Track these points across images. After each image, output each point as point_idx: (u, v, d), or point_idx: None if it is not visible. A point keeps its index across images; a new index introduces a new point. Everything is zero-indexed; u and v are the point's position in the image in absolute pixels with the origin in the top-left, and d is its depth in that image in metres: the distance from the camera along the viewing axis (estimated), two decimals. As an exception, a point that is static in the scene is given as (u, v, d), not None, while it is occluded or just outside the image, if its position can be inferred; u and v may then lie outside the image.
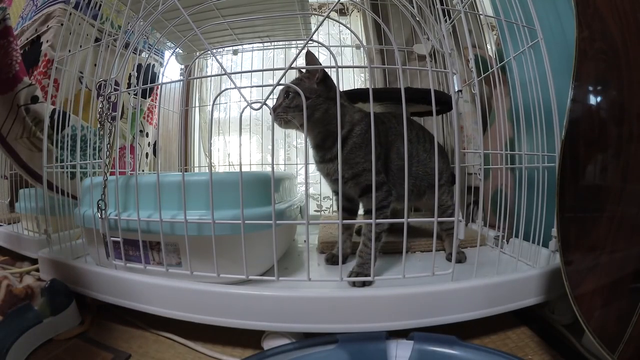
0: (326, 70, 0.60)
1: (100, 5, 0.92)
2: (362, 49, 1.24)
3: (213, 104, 1.10)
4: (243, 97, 0.50)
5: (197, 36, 0.51)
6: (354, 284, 0.55)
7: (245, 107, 0.50)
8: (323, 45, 0.56)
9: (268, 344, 0.52)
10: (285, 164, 1.27)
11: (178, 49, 1.17)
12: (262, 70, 1.38)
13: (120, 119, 0.90)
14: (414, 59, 1.20)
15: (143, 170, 1.25)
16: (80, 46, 0.80)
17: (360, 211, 0.71)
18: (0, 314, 0.53)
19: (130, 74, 0.81)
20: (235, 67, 1.29)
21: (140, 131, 1.24)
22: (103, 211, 0.58)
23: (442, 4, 0.75)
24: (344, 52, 1.30)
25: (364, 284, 0.55)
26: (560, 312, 0.59)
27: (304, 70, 0.62)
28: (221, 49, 1.23)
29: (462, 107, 1.04)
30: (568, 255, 0.45)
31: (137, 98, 1.08)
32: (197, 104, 1.39)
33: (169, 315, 0.55)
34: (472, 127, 1.06)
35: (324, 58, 1.19)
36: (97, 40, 0.87)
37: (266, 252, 0.59)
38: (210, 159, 1.05)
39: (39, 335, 0.55)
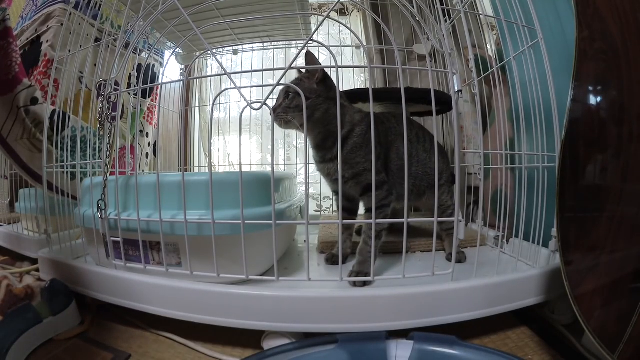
0: (326, 70, 0.60)
1: (100, 5, 0.92)
2: (362, 49, 1.24)
3: (213, 104, 1.10)
4: (243, 97, 0.50)
5: (197, 36, 0.51)
6: (354, 284, 0.55)
7: (245, 107, 0.50)
8: (323, 45, 0.56)
9: (268, 344, 0.52)
10: (285, 164, 1.27)
11: (178, 49, 1.17)
12: (262, 70, 1.38)
13: (120, 119, 0.90)
14: (414, 59, 1.20)
15: (143, 171, 1.25)
16: (80, 46, 0.80)
17: (361, 210, 0.71)
18: (0, 314, 0.53)
19: (130, 74, 0.81)
20: (235, 67, 1.29)
21: (140, 131, 1.24)
22: (103, 211, 0.58)
23: (442, 4, 0.75)
24: (344, 52, 1.30)
25: (364, 284, 0.55)
26: (560, 312, 0.58)
27: (303, 71, 0.62)
28: (221, 49, 1.23)
29: (462, 107, 1.04)
30: (568, 255, 0.45)
31: (137, 98, 1.08)
32: (197, 104, 1.39)
33: (169, 315, 0.55)
34: (472, 127, 1.06)
35: (324, 58, 1.19)
36: (97, 40, 0.87)
37: (266, 252, 0.59)
38: (210, 159, 1.05)
39: (39, 335, 0.55)
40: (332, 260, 0.69)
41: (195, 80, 1.36)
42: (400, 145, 0.65)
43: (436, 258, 0.56)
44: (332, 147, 0.62)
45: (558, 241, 0.46)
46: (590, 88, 0.47)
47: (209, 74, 1.37)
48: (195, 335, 0.57)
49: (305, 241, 0.56)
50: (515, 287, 0.55)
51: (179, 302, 0.55)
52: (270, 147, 0.52)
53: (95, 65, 0.87)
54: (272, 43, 1.20)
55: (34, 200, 0.88)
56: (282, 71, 0.53)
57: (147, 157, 1.28)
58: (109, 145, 0.61)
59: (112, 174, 0.61)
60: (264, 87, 0.56)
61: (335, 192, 0.72)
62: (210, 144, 1.29)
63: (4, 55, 0.76)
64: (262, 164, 1.34)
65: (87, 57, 0.87)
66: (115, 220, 0.57)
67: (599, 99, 0.48)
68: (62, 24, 0.97)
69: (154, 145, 1.28)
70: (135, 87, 0.73)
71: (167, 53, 1.23)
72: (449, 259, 0.70)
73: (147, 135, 1.28)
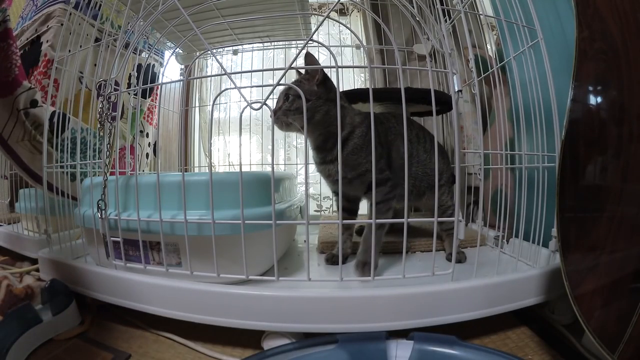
0: (326, 70, 0.60)
1: (100, 5, 0.92)
2: (362, 49, 1.24)
3: (213, 104, 1.10)
4: (243, 97, 0.50)
5: (197, 36, 0.51)
6: (362, 272, 0.58)
7: (245, 107, 0.50)
8: (323, 45, 0.56)
9: (268, 344, 0.52)
10: (285, 164, 1.27)
11: (178, 49, 1.17)
12: (262, 70, 1.38)
13: (120, 119, 0.90)
14: (414, 59, 1.20)
15: (143, 171, 1.25)
16: (80, 46, 0.80)
17: (365, 209, 0.71)
18: (0, 314, 0.53)
19: (130, 74, 0.81)
20: (235, 67, 1.29)
21: (141, 131, 1.24)
22: (103, 211, 0.58)
23: (442, 4, 0.75)
24: (344, 52, 1.30)
25: (362, 272, 0.58)
26: (560, 312, 0.58)
27: (303, 72, 0.62)
28: (221, 49, 1.23)
29: (462, 107, 1.04)
30: (568, 255, 0.45)
31: (137, 98, 1.08)
32: (197, 104, 1.39)
33: (169, 315, 0.55)
34: (472, 127, 1.06)
35: (324, 58, 1.19)
36: (97, 40, 0.87)
37: (266, 252, 0.59)
38: (210, 159, 1.05)
39: (39, 335, 0.55)
40: (332, 260, 0.69)
41: (195, 80, 1.36)
42: (400, 145, 0.65)
43: (436, 258, 0.56)
44: (333, 148, 0.62)
45: (558, 241, 0.46)
46: (590, 88, 0.47)
47: (209, 74, 1.37)
48: (195, 335, 0.57)
49: (305, 241, 0.56)
50: (515, 287, 0.55)
51: (179, 302, 0.55)
52: (270, 147, 0.52)
53: (95, 65, 0.87)
54: (272, 43, 1.20)
55: (34, 200, 0.88)
56: (282, 71, 0.53)
57: (147, 157, 1.28)
58: (109, 146, 0.61)
59: (112, 174, 0.61)
60: (264, 87, 0.56)
61: (335, 193, 0.72)
62: (210, 144, 1.29)
63: (4, 57, 0.76)
64: (262, 164, 1.34)
65: (87, 57, 0.87)
66: (115, 220, 0.57)
67: (599, 99, 0.48)
68: (62, 24, 0.97)
69: (154, 145, 1.28)
70: (135, 87, 0.72)
71: (167, 53, 1.23)
72: (449, 259, 0.70)
73: (147, 135, 1.28)
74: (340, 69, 0.51)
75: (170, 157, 1.34)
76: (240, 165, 0.51)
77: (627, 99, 0.45)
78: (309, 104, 0.57)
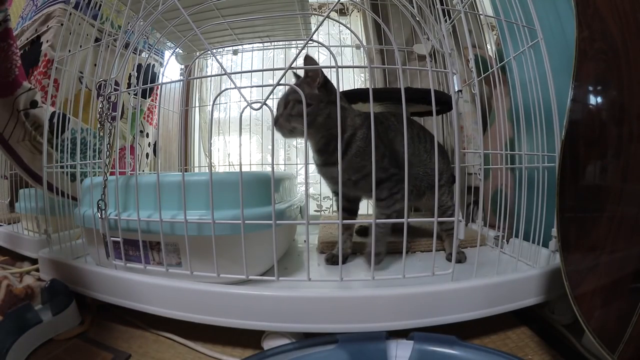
0: (326, 70, 0.60)
1: (100, 5, 0.92)
2: (362, 49, 1.24)
3: (213, 104, 1.10)
4: (243, 97, 0.50)
5: (197, 36, 0.51)
6: (369, 262, 0.58)
7: (245, 107, 0.50)
8: (323, 45, 0.56)
9: (268, 344, 0.52)
10: (285, 164, 1.27)
11: (178, 49, 1.17)
12: (262, 70, 1.38)
13: (120, 119, 0.90)
14: (414, 59, 1.20)
15: (143, 171, 1.25)
16: (80, 46, 0.80)
17: (366, 208, 0.71)
18: (0, 314, 0.53)
19: (130, 74, 0.81)
20: (235, 67, 1.29)
21: (141, 131, 1.24)
22: (103, 211, 0.58)
23: (442, 4, 0.75)
24: (344, 52, 1.30)
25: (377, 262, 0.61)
26: (560, 312, 0.58)
27: (302, 75, 0.62)
28: (221, 49, 1.23)
29: (462, 107, 1.04)
30: (568, 255, 0.45)
31: (137, 98, 1.08)
32: (197, 104, 1.39)
33: (169, 315, 0.55)
34: (472, 127, 1.06)
35: (324, 58, 1.19)
36: (97, 40, 0.87)
37: (266, 252, 0.59)
38: (210, 159, 1.05)
39: (39, 335, 0.55)
40: (332, 260, 0.69)
41: (195, 80, 1.36)
42: (402, 141, 0.65)
43: (436, 258, 0.56)
44: (335, 150, 0.61)
45: (558, 241, 0.46)
46: (590, 88, 0.47)
47: (209, 74, 1.37)
48: (195, 335, 0.57)
49: (305, 241, 0.56)
50: (515, 287, 0.55)
51: (179, 302, 0.55)
52: (270, 147, 0.52)
53: (95, 65, 0.87)
54: (272, 43, 1.20)
55: (34, 200, 0.88)
56: (282, 71, 0.53)
57: (147, 157, 1.28)
58: (108, 146, 0.61)
59: (112, 174, 0.61)
60: (264, 87, 0.56)
61: (336, 193, 0.72)
62: (210, 144, 1.29)
63: (4, 57, 0.76)
64: (262, 164, 1.34)
65: (87, 57, 0.87)
66: (115, 220, 0.57)
67: (599, 99, 0.48)
68: (62, 24, 0.97)
69: (154, 145, 1.28)
70: (135, 87, 0.73)
71: (167, 53, 1.23)
72: (449, 259, 0.70)
73: (147, 135, 1.28)
74: (340, 69, 0.51)
75: (170, 157, 1.34)
76: (240, 165, 0.51)
77: (627, 99, 0.45)
78: (310, 107, 0.57)
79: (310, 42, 0.51)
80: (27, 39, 1.03)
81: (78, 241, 0.78)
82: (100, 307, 0.66)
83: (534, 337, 0.57)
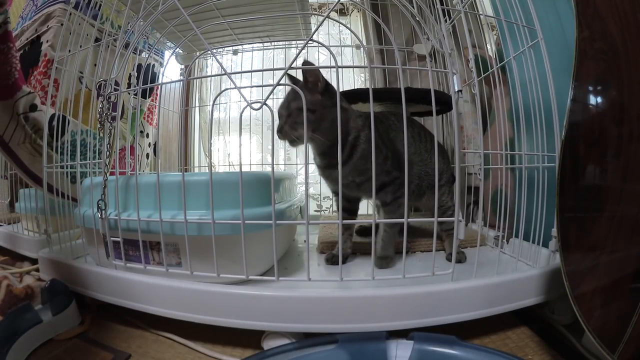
0: (326, 70, 0.60)
1: (100, 5, 0.92)
2: (362, 49, 1.24)
3: (213, 104, 1.10)
4: (243, 97, 0.50)
5: (197, 36, 0.51)
6: (380, 267, 0.64)
7: (245, 107, 0.50)
8: (323, 45, 0.56)
9: (268, 344, 0.52)
10: (285, 164, 1.27)
11: (178, 49, 1.17)
12: (262, 70, 1.38)
13: (120, 119, 0.90)
14: (414, 59, 1.20)
15: (143, 171, 1.25)
16: (80, 46, 0.80)
17: (365, 208, 0.71)
18: (0, 314, 0.53)
19: (130, 74, 0.81)
20: (235, 67, 1.29)
21: (141, 132, 1.24)
22: (103, 211, 0.58)
23: (442, 4, 0.75)
24: (344, 52, 1.30)
25: (387, 265, 0.65)
26: (560, 312, 0.58)
27: (300, 79, 0.61)
28: (221, 49, 1.23)
29: (462, 107, 1.04)
30: (568, 255, 0.45)
31: (137, 98, 1.08)
32: (197, 104, 1.39)
33: (169, 315, 0.55)
34: (472, 127, 1.06)
35: (324, 58, 1.19)
36: (97, 40, 0.87)
37: (266, 252, 0.59)
38: (210, 159, 1.05)
39: (39, 335, 0.55)
40: (332, 261, 0.69)
41: (195, 80, 1.36)
42: (401, 142, 0.65)
43: (436, 258, 0.56)
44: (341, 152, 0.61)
45: (558, 241, 0.46)
46: (590, 88, 0.47)
47: (209, 74, 1.37)
48: (195, 335, 0.57)
49: (305, 241, 0.56)
50: (515, 287, 0.55)
51: (179, 302, 0.55)
52: (270, 147, 0.52)
53: (95, 65, 0.87)
54: (272, 43, 1.20)
55: (34, 200, 0.88)
56: (282, 71, 0.53)
57: (147, 157, 1.28)
58: (109, 146, 0.61)
59: (112, 174, 0.61)
60: (264, 87, 0.56)
61: (336, 193, 0.72)
62: (210, 144, 1.29)
63: (3, 59, 0.75)
64: (262, 164, 1.34)
65: (87, 57, 0.87)
66: (115, 220, 0.57)
67: (599, 99, 0.48)
68: (62, 24, 0.97)
69: (154, 145, 1.28)
70: (135, 87, 0.73)
71: (167, 53, 1.23)
72: (449, 259, 0.70)
73: (147, 135, 1.28)
74: (340, 69, 0.51)
75: (170, 157, 1.34)
76: (240, 165, 0.51)
77: (627, 99, 0.45)
78: (315, 114, 0.56)
79: (310, 42, 0.51)
80: (27, 39, 1.03)
81: (78, 241, 0.78)
82: (100, 307, 0.66)
83: (534, 337, 0.57)
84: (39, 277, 0.74)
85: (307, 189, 0.53)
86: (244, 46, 1.23)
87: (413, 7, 0.54)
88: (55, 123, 0.76)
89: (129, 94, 1.01)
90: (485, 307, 0.53)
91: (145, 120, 1.26)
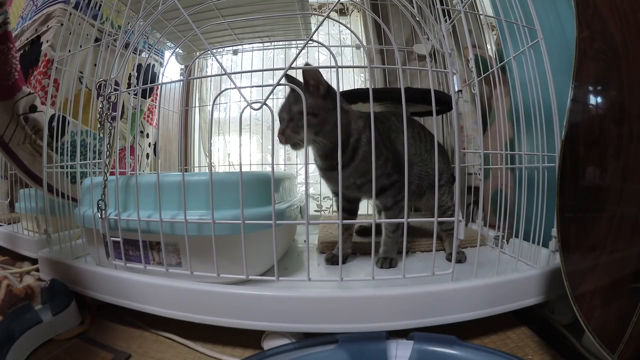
0: (326, 70, 0.60)
1: (100, 5, 0.92)
2: (362, 49, 1.24)
3: (213, 104, 1.10)
4: (243, 97, 0.50)
5: (197, 36, 0.51)
6: (382, 266, 0.64)
7: (245, 107, 0.50)
8: (323, 45, 0.56)
9: (268, 344, 0.52)
10: (285, 164, 1.27)
11: (178, 49, 1.17)
12: (262, 70, 1.38)
13: (120, 119, 0.90)
14: (414, 59, 1.20)
15: (143, 171, 1.25)
16: (80, 46, 0.80)
17: (365, 208, 0.71)
18: (0, 314, 0.53)
19: (130, 74, 0.81)
20: (235, 67, 1.29)
21: (141, 132, 1.24)
22: (103, 211, 0.58)
23: (442, 4, 0.75)
24: (344, 52, 1.30)
25: (390, 265, 0.65)
26: (560, 312, 0.58)
27: (300, 81, 0.61)
28: (221, 49, 1.23)
29: (462, 107, 1.04)
30: (568, 255, 0.45)
31: (137, 98, 1.08)
32: (197, 104, 1.39)
33: (169, 315, 0.55)
34: (472, 127, 1.06)
35: (324, 58, 1.19)
36: (97, 40, 0.87)
37: (266, 252, 0.59)
38: (210, 159, 1.05)
39: (39, 335, 0.55)
40: (332, 261, 0.69)
41: (195, 80, 1.36)
42: (402, 143, 0.65)
43: (436, 258, 0.56)
44: (342, 155, 0.61)
45: (558, 241, 0.46)
46: (590, 88, 0.47)
47: (209, 74, 1.37)
48: (195, 335, 0.57)
49: (305, 241, 0.56)
50: (515, 287, 0.55)
51: (179, 302, 0.55)
52: (270, 147, 0.52)
53: (95, 65, 0.87)
54: (272, 43, 1.20)
55: (34, 201, 0.88)
56: (282, 71, 0.53)
57: (147, 157, 1.28)
58: (108, 146, 0.61)
59: (112, 174, 0.61)
60: (264, 87, 0.56)
61: (336, 193, 0.72)
62: (210, 144, 1.29)
63: (3, 60, 0.75)
64: (262, 164, 1.34)
65: (87, 57, 0.87)
66: (115, 220, 0.57)
67: (599, 99, 0.48)
68: (62, 24, 0.96)
69: (154, 145, 1.28)
70: (135, 87, 0.72)
71: (167, 53, 1.23)
72: (449, 259, 0.70)
73: (147, 135, 1.28)
74: (340, 69, 0.51)
75: (170, 157, 1.34)
76: (240, 165, 0.51)
77: (627, 99, 0.45)
78: (318, 118, 0.56)
79: (310, 42, 0.51)
80: (27, 39, 1.03)
81: (78, 241, 0.78)
82: (100, 307, 0.66)
83: (534, 337, 0.57)
84: (39, 277, 0.74)
85: (307, 189, 0.53)
86: (244, 46, 1.23)
87: (413, 7, 0.54)
88: (55, 123, 0.76)
89: (129, 94, 1.01)
90: (485, 307, 0.53)
91: (145, 120, 1.26)
